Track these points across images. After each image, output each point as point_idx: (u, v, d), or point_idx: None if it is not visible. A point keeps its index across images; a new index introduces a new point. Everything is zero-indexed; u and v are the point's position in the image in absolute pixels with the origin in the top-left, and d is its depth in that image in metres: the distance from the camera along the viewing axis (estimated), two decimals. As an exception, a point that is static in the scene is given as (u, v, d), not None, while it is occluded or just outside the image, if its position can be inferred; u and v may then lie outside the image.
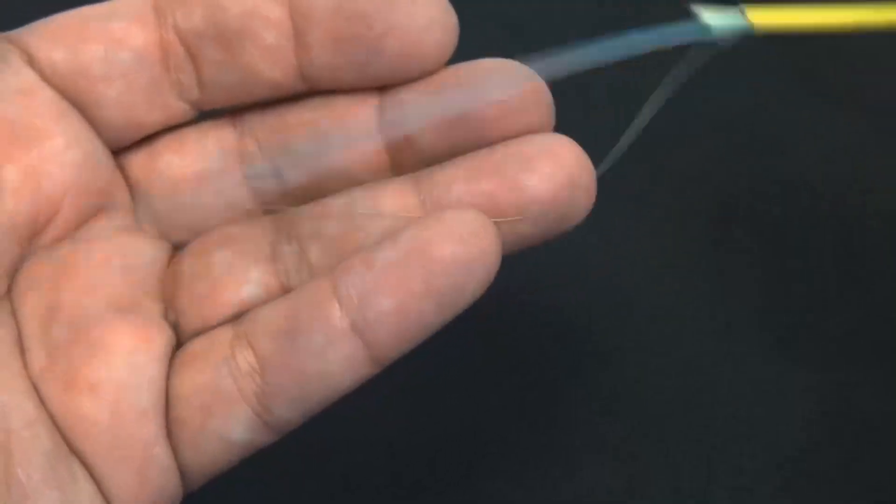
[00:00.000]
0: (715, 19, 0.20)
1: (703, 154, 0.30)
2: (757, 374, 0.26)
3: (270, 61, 0.21)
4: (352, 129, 0.22)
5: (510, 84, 0.21)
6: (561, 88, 0.21)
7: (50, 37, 0.21)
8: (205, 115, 0.23)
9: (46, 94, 0.21)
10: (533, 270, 0.26)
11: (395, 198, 0.21)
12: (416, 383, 0.26)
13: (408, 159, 0.22)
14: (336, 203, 0.22)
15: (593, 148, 0.20)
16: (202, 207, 0.23)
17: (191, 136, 0.23)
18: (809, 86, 0.32)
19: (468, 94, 0.21)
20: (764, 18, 0.20)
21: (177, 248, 0.23)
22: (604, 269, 0.26)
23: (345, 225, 0.21)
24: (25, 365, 0.20)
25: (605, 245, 0.28)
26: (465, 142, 0.21)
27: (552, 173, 0.20)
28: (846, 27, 0.20)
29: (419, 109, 0.21)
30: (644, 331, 0.27)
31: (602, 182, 0.28)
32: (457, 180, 0.21)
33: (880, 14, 0.21)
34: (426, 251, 0.19)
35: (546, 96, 0.21)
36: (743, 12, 0.20)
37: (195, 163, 0.22)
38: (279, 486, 0.26)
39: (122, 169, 0.23)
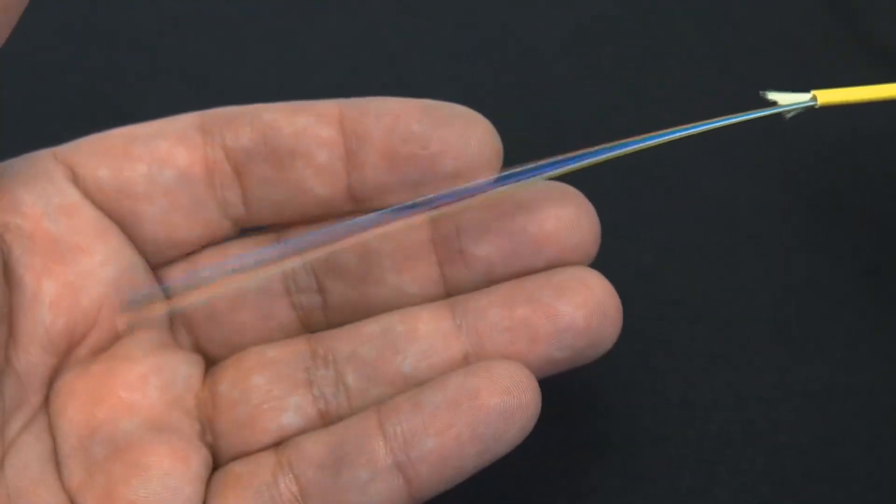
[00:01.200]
0: (783, 98, 0.20)
1: (705, 152, 0.30)
2: (758, 374, 0.26)
3: (320, 180, 0.21)
4: (404, 244, 0.22)
5: (562, 204, 0.21)
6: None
7: (95, 154, 0.21)
8: (249, 229, 0.23)
9: (88, 212, 0.21)
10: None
11: (430, 322, 0.22)
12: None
13: (460, 274, 0.22)
14: (372, 326, 0.22)
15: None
16: (240, 323, 0.23)
17: (233, 250, 0.23)
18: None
19: (521, 212, 0.21)
20: (828, 97, 0.21)
21: (210, 360, 0.23)
22: (603, 269, 0.26)
23: (381, 348, 0.22)
24: (61, 479, 0.20)
25: (604, 244, 0.28)
26: (518, 258, 0.22)
27: (585, 302, 0.21)
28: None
29: (474, 225, 0.22)
30: (644, 329, 0.27)
31: (601, 179, 0.27)
32: (492, 306, 0.21)
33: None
34: (474, 399, 0.20)
35: (593, 218, 0.22)
36: (811, 94, 0.20)
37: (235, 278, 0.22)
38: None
39: (161, 282, 0.22)
